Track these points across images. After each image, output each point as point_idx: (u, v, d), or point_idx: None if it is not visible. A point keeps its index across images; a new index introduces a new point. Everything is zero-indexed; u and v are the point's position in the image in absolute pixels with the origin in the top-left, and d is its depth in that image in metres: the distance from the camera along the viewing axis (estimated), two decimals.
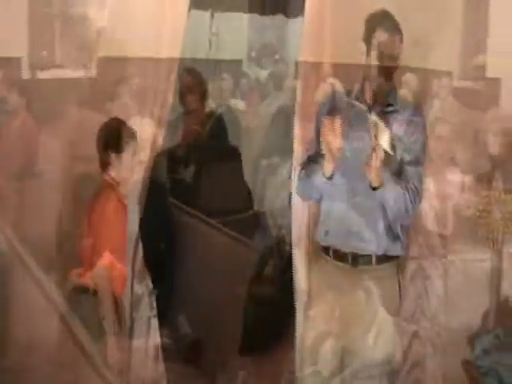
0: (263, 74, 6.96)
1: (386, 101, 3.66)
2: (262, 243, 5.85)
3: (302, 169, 3.82)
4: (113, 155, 4.18)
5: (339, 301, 3.72)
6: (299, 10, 4.53)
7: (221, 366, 4.82)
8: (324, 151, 3.53)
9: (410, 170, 3.59)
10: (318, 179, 3.70)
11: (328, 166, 3.61)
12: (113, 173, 4.21)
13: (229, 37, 6.36)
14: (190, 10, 4.53)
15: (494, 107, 4.83)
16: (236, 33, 6.62)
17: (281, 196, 6.20)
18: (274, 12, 5.63)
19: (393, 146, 3.54)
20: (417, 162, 3.61)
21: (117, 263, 4.16)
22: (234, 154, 5.54)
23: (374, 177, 3.49)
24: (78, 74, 4.70)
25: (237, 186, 5.49)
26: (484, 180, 4.52)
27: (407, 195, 3.54)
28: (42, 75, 4.66)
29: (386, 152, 3.45)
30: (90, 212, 4.23)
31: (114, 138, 4.21)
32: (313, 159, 3.74)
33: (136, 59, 4.61)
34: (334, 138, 3.46)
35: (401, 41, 3.60)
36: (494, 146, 4.67)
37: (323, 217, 3.80)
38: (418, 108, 3.76)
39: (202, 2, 4.87)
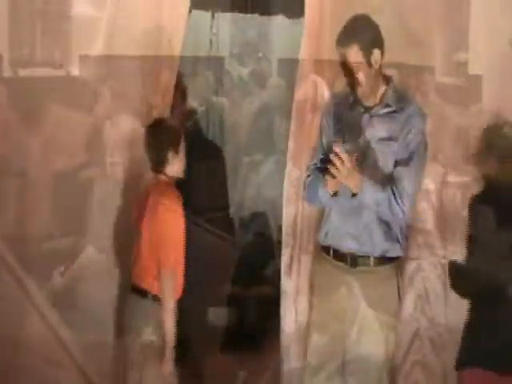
0: (245, 71, 6.94)
1: (383, 101, 3.66)
2: (243, 240, 5.88)
3: (307, 176, 3.83)
4: (170, 154, 4.20)
5: (337, 298, 3.72)
6: (299, 11, 4.59)
7: (205, 365, 4.83)
8: (329, 177, 3.51)
9: (399, 170, 3.57)
10: (322, 192, 3.72)
11: (333, 187, 3.63)
12: (168, 172, 4.24)
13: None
14: (190, 10, 4.53)
15: (477, 104, 4.84)
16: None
17: (264, 193, 6.23)
18: (275, 12, 5.64)
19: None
20: (408, 161, 3.58)
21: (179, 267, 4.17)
22: (216, 153, 5.54)
23: (350, 185, 3.50)
24: (60, 72, 4.64)
25: (218, 184, 5.49)
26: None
27: (392, 198, 3.52)
28: (24, 73, 4.61)
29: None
30: (148, 213, 4.19)
31: (172, 137, 4.26)
32: (317, 167, 3.76)
33: (120, 57, 4.62)
34: (341, 174, 3.44)
35: (361, 54, 3.60)
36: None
37: (324, 219, 3.81)
38: (417, 108, 3.74)
39: (203, 3, 4.83)
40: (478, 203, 3.94)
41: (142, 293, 4.15)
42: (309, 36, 4.46)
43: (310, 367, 3.91)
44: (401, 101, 3.70)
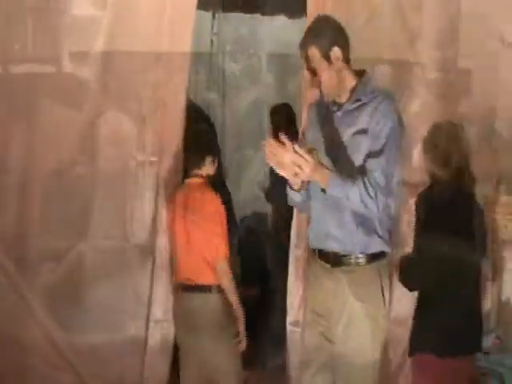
0: (237, 67, 6.94)
1: (354, 96, 3.64)
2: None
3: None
4: (209, 159, 4.40)
5: (325, 296, 3.70)
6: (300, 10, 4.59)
7: None
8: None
9: (370, 162, 3.50)
10: (289, 191, 3.74)
11: (296, 184, 3.63)
12: (203, 173, 4.44)
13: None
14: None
15: (466, 98, 4.87)
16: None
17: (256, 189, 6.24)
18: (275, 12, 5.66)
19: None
20: (379, 152, 3.51)
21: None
22: None
23: (317, 180, 3.49)
24: (52, 69, 4.61)
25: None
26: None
27: (363, 191, 3.46)
28: (16, 70, 4.58)
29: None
30: (193, 212, 4.35)
31: (212, 143, 4.57)
32: None
33: (115, 54, 4.61)
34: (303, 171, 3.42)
35: (320, 53, 3.59)
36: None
37: (310, 220, 3.81)
38: (386, 96, 3.65)
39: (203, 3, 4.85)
40: (421, 200, 4.10)
41: (205, 288, 4.31)
42: None
43: (302, 362, 3.90)
44: (373, 93, 3.65)
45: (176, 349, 4.63)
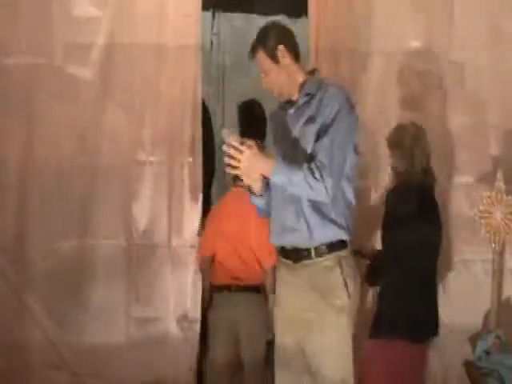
0: (229, 60, 6.91)
1: (303, 92, 3.64)
2: None
3: None
4: None
5: (290, 297, 3.67)
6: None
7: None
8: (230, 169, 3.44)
9: (316, 144, 3.48)
10: (253, 198, 3.71)
11: (256, 187, 3.61)
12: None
13: None
14: None
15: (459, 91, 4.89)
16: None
17: None
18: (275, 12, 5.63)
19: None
20: (324, 133, 3.48)
21: None
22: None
23: (261, 171, 3.44)
24: (52, 67, 4.63)
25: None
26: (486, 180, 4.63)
27: (307, 172, 3.38)
28: (14, 68, 4.57)
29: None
30: (243, 220, 4.61)
31: None
32: None
33: (111, 52, 4.63)
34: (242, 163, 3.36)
35: (266, 54, 3.57)
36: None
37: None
38: (334, 86, 3.60)
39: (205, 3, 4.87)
40: (388, 198, 4.20)
41: (256, 288, 4.68)
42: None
43: (282, 363, 3.87)
44: (320, 85, 3.65)
45: None
